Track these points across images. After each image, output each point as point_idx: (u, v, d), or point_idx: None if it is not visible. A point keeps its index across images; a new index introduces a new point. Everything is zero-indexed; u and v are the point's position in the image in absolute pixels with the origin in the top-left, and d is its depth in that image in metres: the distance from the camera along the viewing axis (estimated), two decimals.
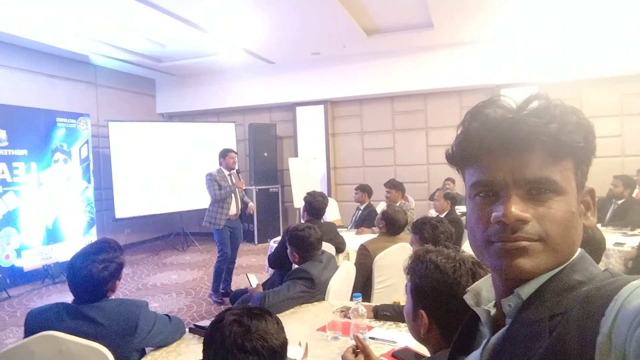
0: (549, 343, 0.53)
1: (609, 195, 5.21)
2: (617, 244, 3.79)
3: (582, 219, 0.63)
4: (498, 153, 0.61)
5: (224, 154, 5.39)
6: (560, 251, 0.60)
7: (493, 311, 0.70)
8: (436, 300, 1.19)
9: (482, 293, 0.73)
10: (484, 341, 0.68)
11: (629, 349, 0.45)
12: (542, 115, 0.59)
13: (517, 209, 0.58)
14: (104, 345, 1.70)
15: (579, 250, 0.63)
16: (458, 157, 0.68)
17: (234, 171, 5.43)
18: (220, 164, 5.37)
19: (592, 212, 0.66)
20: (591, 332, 0.50)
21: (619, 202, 5.05)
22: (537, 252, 0.59)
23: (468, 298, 0.74)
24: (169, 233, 8.80)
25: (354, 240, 4.20)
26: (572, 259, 0.61)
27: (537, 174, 0.59)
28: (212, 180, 5.19)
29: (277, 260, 3.36)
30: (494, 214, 0.60)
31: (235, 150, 5.72)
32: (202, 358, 1.22)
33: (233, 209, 5.31)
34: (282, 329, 1.25)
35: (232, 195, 5.29)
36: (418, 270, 1.26)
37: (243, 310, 1.24)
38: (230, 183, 5.28)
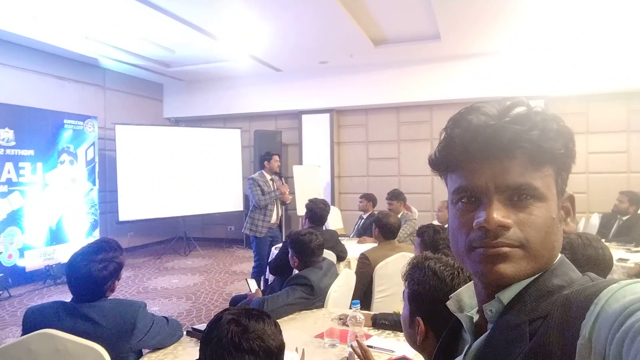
0: (529, 347, 0.54)
1: (614, 211, 5.17)
2: (621, 259, 3.76)
3: (562, 224, 0.64)
4: (480, 159, 0.62)
5: (269, 157, 5.19)
6: (541, 257, 0.60)
7: (476, 317, 0.71)
8: (433, 308, 1.18)
9: (465, 300, 0.74)
10: (466, 347, 0.68)
11: (609, 351, 0.45)
12: (524, 122, 0.60)
13: (499, 214, 0.59)
14: (101, 344, 1.70)
15: (560, 255, 0.64)
16: (441, 162, 0.68)
17: (275, 176, 5.24)
18: (263, 167, 5.17)
19: (571, 217, 0.67)
20: (572, 335, 0.50)
21: (624, 218, 5.02)
22: (518, 258, 0.60)
23: (451, 304, 0.75)
24: (171, 237, 8.82)
25: (355, 248, 4.18)
26: (552, 264, 0.62)
27: (519, 180, 0.60)
28: (255, 185, 4.98)
29: (278, 267, 3.35)
30: (476, 220, 0.61)
31: (279, 153, 5.52)
32: (198, 357, 1.22)
33: (274, 216, 5.11)
34: (279, 331, 1.25)
35: (275, 201, 5.13)
36: (416, 276, 1.26)
37: (241, 310, 1.24)
38: (272, 188, 5.10)
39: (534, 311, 0.57)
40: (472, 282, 0.73)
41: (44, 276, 6.05)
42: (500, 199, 0.60)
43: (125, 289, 5.76)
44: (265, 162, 5.22)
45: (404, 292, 1.28)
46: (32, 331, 1.72)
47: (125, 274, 6.42)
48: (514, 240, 0.59)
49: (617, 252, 4.06)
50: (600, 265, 1.73)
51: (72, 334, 1.70)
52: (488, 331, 0.63)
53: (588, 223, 5.89)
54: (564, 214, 0.65)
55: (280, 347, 1.22)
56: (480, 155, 0.62)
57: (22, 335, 1.76)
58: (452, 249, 0.68)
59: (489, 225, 0.59)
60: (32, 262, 5.97)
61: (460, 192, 0.64)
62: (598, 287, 0.52)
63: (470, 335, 0.70)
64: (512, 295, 0.61)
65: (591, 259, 1.71)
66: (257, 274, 4.99)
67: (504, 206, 0.60)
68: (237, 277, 6.31)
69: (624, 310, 0.46)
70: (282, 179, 5.35)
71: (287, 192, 5.33)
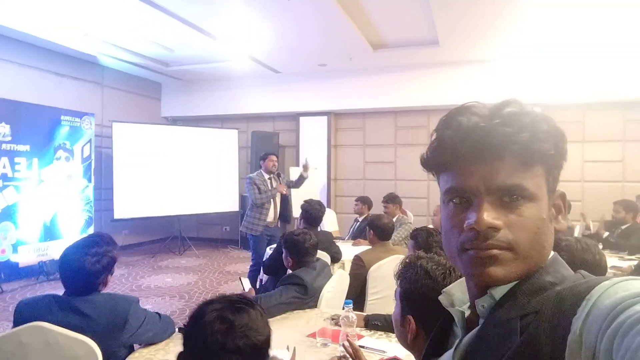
0: (520, 341, 0.54)
1: (613, 223, 5.19)
2: (614, 267, 3.77)
3: (553, 222, 0.65)
4: (471, 160, 0.62)
5: (264, 156, 5.33)
6: (530, 258, 0.61)
7: (467, 312, 0.71)
8: (425, 307, 1.18)
9: (457, 295, 0.74)
10: (457, 341, 0.69)
11: (599, 346, 0.46)
12: (514, 124, 0.60)
13: (489, 216, 0.60)
14: (92, 338, 1.69)
15: (553, 253, 0.64)
16: (432, 163, 0.69)
17: (274, 175, 5.34)
18: (261, 167, 5.31)
19: (562, 215, 0.67)
20: (562, 330, 0.50)
21: (623, 227, 5.02)
22: (508, 260, 0.60)
23: (443, 299, 0.75)
24: (166, 236, 8.78)
25: (350, 250, 4.18)
26: (544, 262, 0.62)
27: (508, 181, 0.60)
28: (252, 184, 5.11)
29: (272, 266, 3.35)
30: (466, 222, 0.61)
31: (276, 153, 5.60)
32: (183, 351, 1.17)
33: (271, 215, 5.21)
34: (266, 322, 1.21)
35: (272, 200, 5.23)
36: (408, 275, 1.26)
37: (225, 302, 1.18)
38: (270, 187, 5.20)
39: (525, 307, 0.57)
40: (464, 278, 0.74)
41: (37, 272, 6.03)
42: (490, 200, 0.61)
43: (118, 287, 5.74)
44: (261, 162, 5.34)
45: (395, 290, 1.29)
46: (23, 324, 1.71)
47: (119, 272, 6.39)
48: (503, 242, 0.60)
49: (610, 259, 4.07)
50: (596, 270, 1.75)
51: (64, 327, 1.70)
52: (479, 326, 0.64)
53: (583, 231, 5.91)
54: (555, 212, 0.66)
55: (267, 340, 1.19)
56: (471, 157, 0.62)
57: (13, 327, 1.75)
58: (445, 249, 0.68)
59: (478, 227, 0.60)
60: (25, 257, 5.94)
61: (452, 192, 0.65)
62: (590, 284, 0.53)
63: (461, 329, 0.70)
64: (504, 291, 0.61)
65: (587, 263, 1.74)
66: (254, 274, 5.00)
67: (494, 207, 0.60)
68: (231, 277, 6.30)
69: (616, 306, 0.46)
70: (280, 178, 5.40)
71: (285, 190, 5.39)
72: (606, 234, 4.90)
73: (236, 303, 1.18)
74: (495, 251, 0.60)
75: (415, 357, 1.24)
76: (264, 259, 5.07)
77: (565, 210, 0.67)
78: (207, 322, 1.12)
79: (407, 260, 1.32)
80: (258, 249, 5.10)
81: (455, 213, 0.64)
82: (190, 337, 1.14)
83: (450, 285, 0.76)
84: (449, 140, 0.64)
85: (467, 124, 0.63)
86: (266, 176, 5.26)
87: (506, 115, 0.61)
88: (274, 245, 4.07)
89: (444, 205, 0.67)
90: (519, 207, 0.60)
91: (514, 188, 0.60)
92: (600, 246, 4.56)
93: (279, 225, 5.49)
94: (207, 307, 1.16)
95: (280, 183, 5.35)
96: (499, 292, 0.62)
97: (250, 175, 5.27)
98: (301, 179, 5.63)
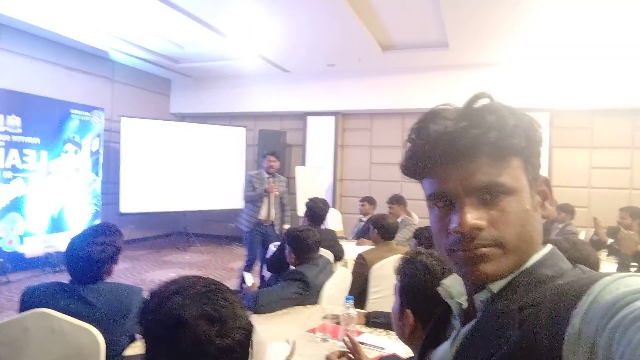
0: (518, 333, 0.54)
1: (618, 229, 5.14)
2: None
3: (539, 211, 0.65)
4: (445, 165, 0.63)
5: (264, 156, 5.49)
6: (519, 250, 0.61)
7: (465, 305, 0.71)
8: (423, 301, 1.19)
9: (455, 287, 0.75)
10: (454, 332, 0.69)
11: (599, 341, 0.45)
12: (480, 125, 0.61)
13: (471, 217, 0.61)
14: (95, 326, 1.71)
15: (550, 246, 0.64)
16: (410, 171, 0.70)
17: (273, 175, 5.42)
18: (262, 166, 5.48)
19: (549, 201, 0.67)
20: (561, 323, 0.50)
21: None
22: (497, 256, 0.61)
23: (441, 290, 0.76)
24: (171, 232, 8.84)
25: (353, 250, 4.19)
26: (543, 254, 0.63)
27: (485, 180, 0.61)
28: (248, 181, 5.32)
29: (275, 264, 3.36)
30: (451, 225, 0.62)
31: (276, 153, 5.60)
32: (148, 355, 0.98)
33: (263, 213, 5.29)
34: (236, 298, 1.02)
35: (266, 199, 5.29)
36: (407, 270, 1.27)
37: (193, 297, 0.96)
38: (266, 186, 5.29)
39: (524, 299, 0.57)
40: None
41: (43, 263, 6.09)
42: (471, 201, 0.61)
43: (122, 280, 5.78)
44: (262, 161, 5.53)
45: (395, 285, 1.30)
46: (28, 310, 1.74)
47: (123, 265, 6.44)
48: (489, 240, 0.60)
49: (609, 265, 4.04)
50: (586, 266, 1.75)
51: (68, 314, 1.72)
52: (477, 318, 0.64)
53: (588, 237, 5.87)
54: (540, 199, 0.66)
55: (250, 322, 1.03)
56: (445, 162, 0.63)
57: (19, 313, 1.78)
58: (437, 251, 0.70)
59: (462, 229, 0.60)
60: (32, 249, 6.00)
61: (434, 198, 0.66)
62: (592, 279, 0.52)
63: (459, 321, 0.71)
64: (502, 285, 0.62)
65: (576, 261, 1.73)
66: (245, 269, 5.15)
67: (475, 207, 0.61)
68: (235, 274, 6.32)
69: (617, 302, 0.46)
70: (275, 179, 5.43)
71: (276, 191, 5.37)
72: (610, 240, 4.87)
73: (203, 297, 0.97)
74: (483, 249, 0.61)
75: (413, 351, 1.25)
76: (265, 256, 5.11)
77: (551, 195, 0.68)
78: (197, 332, 0.92)
79: (407, 256, 1.33)
80: (250, 246, 5.24)
81: (441, 217, 0.65)
82: (175, 343, 0.93)
83: (449, 278, 0.77)
84: (421, 149, 0.66)
85: (435, 131, 0.64)
86: (266, 175, 5.35)
87: (473, 116, 0.62)
88: (278, 243, 4.09)
89: (430, 210, 0.68)
90: (500, 203, 0.61)
91: (491, 186, 0.61)
92: (605, 253, 4.57)
93: (274, 225, 5.51)
94: (183, 310, 0.93)
95: (272, 182, 5.35)
96: (496, 285, 0.62)
97: (250, 172, 5.45)
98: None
